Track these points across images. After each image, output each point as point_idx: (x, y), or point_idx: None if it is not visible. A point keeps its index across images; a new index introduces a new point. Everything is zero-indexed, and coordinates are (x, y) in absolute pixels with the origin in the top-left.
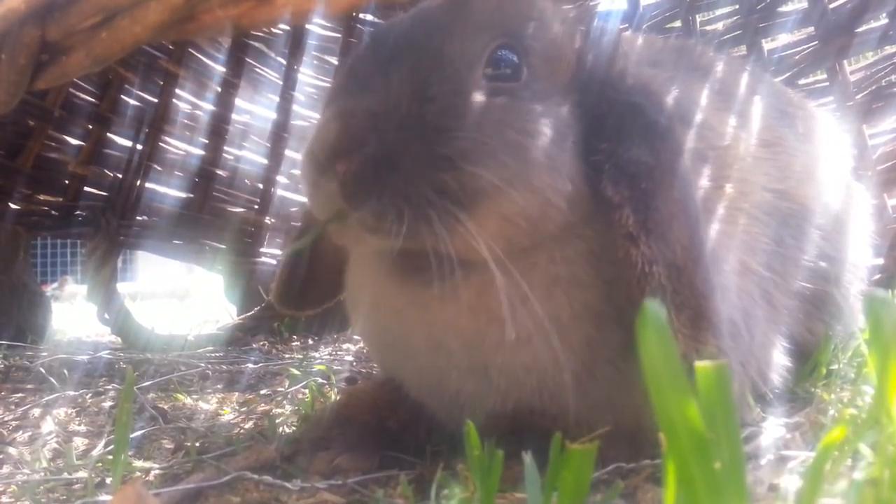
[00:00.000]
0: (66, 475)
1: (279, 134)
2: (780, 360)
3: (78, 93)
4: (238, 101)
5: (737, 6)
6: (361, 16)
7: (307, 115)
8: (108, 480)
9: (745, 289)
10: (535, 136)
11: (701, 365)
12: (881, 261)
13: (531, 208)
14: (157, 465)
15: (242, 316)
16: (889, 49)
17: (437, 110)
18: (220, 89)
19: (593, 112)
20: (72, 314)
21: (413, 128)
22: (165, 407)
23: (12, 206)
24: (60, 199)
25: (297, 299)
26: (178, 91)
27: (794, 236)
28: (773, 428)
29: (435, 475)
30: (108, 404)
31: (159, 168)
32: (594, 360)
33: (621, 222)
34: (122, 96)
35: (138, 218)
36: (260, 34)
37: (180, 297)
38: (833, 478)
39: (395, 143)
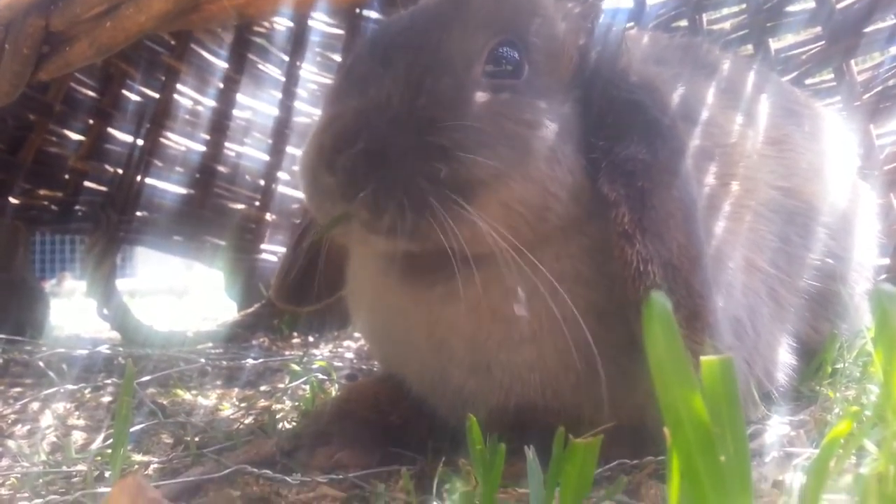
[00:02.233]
0: (64, 468)
1: (281, 130)
2: (785, 358)
3: (79, 87)
4: (240, 97)
5: (744, 5)
6: (365, 13)
7: (309, 112)
8: (108, 474)
9: (751, 286)
10: (534, 127)
11: (706, 359)
12: (887, 261)
13: (531, 197)
14: (156, 459)
15: (242, 312)
16: None
17: (427, 103)
18: (221, 85)
19: (595, 109)
20: (71, 310)
21: (403, 121)
22: (165, 402)
23: (12, 200)
24: (60, 195)
25: (297, 295)
26: (179, 86)
27: (800, 234)
28: (777, 426)
29: (436, 470)
30: (106, 399)
31: (160, 164)
32: (597, 357)
33: (617, 220)
34: (124, 91)
35: (138, 214)
36: (262, 30)
37: (180, 293)
38: (837, 473)
39: (385, 136)
